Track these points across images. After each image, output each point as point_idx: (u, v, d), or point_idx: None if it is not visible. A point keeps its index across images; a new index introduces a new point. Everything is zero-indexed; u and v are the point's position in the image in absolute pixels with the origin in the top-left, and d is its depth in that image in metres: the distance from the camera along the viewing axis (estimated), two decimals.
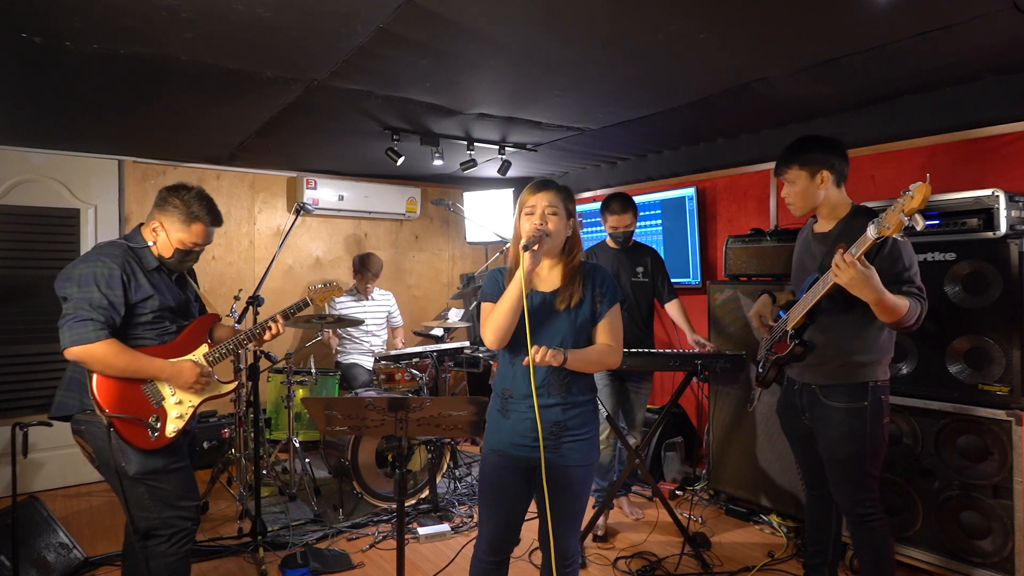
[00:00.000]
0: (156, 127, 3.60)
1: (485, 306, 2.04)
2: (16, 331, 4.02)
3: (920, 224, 1.82)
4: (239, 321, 3.41)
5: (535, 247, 1.86)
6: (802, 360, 2.32)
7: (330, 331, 4.75)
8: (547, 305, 1.97)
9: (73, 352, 2.01)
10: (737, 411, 3.67)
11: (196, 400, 2.24)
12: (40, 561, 2.85)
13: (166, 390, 2.19)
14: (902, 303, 2.04)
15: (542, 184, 1.98)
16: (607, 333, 1.99)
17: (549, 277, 2.03)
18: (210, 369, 2.28)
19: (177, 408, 2.19)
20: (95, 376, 2.05)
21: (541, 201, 1.95)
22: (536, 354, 1.83)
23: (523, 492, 2.00)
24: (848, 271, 1.97)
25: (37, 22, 2.15)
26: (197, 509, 2.23)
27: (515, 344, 1.95)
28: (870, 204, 2.58)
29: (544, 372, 1.94)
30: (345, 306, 4.73)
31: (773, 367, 2.44)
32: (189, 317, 2.34)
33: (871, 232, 1.93)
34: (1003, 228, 2.58)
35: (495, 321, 1.93)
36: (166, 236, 2.20)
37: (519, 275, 1.87)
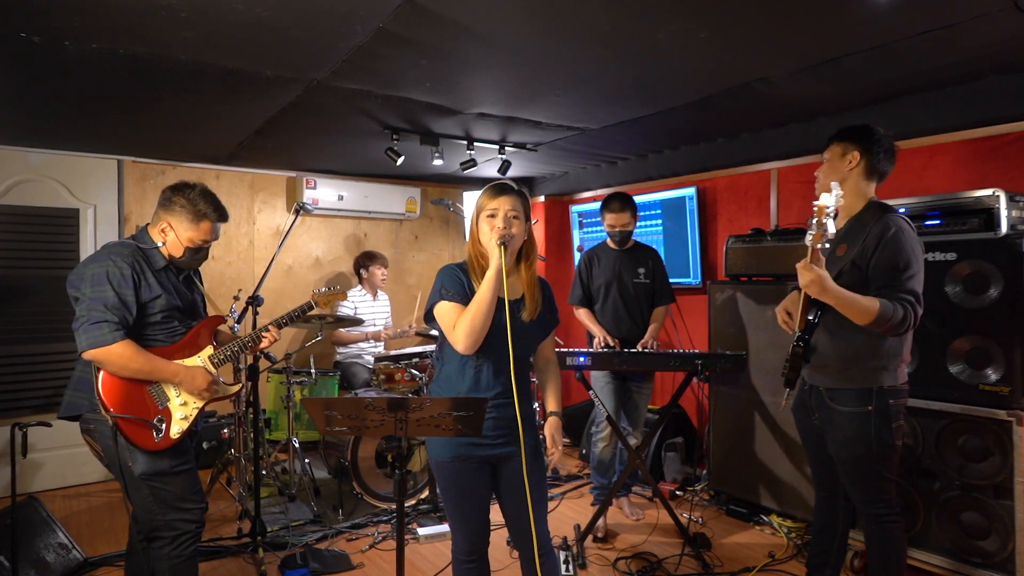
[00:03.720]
0: (156, 127, 3.59)
1: (447, 306, 1.94)
2: (16, 331, 4.02)
3: (812, 231, 1.92)
4: (239, 321, 3.41)
5: (506, 246, 1.89)
6: (807, 361, 2.31)
7: (381, 330, 4.81)
8: (512, 312, 1.95)
9: (91, 354, 2.01)
10: (738, 411, 3.67)
11: (201, 401, 2.25)
12: (39, 561, 2.84)
13: (171, 391, 2.19)
14: (871, 305, 2.01)
15: (502, 188, 1.98)
16: (552, 347, 2.19)
17: (509, 283, 1.99)
18: (219, 377, 2.29)
19: (182, 409, 2.19)
20: (101, 376, 2.05)
21: (504, 205, 1.94)
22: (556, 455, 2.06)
23: (488, 488, 2.03)
24: (803, 275, 1.99)
25: (37, 22, 2.15)
26: (201, 512, 2.22)
27: (483, 346, 1.92)
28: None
29: (509, 373, 1.95)
30: (361, 301, 4.77)
31: (789, 368, 2.43)
32: (197, 317, 2.35)
33: (807, 239, 1.97)
34: (1004, 228, 2.58)
35: (471, 324, 1.86)
36: (176, 236, 2.21)
37: (491, 275, 1.87)
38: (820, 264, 2.01)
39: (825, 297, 2.02)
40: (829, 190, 2.30)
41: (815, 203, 1.91)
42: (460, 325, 1.89)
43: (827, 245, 1.96)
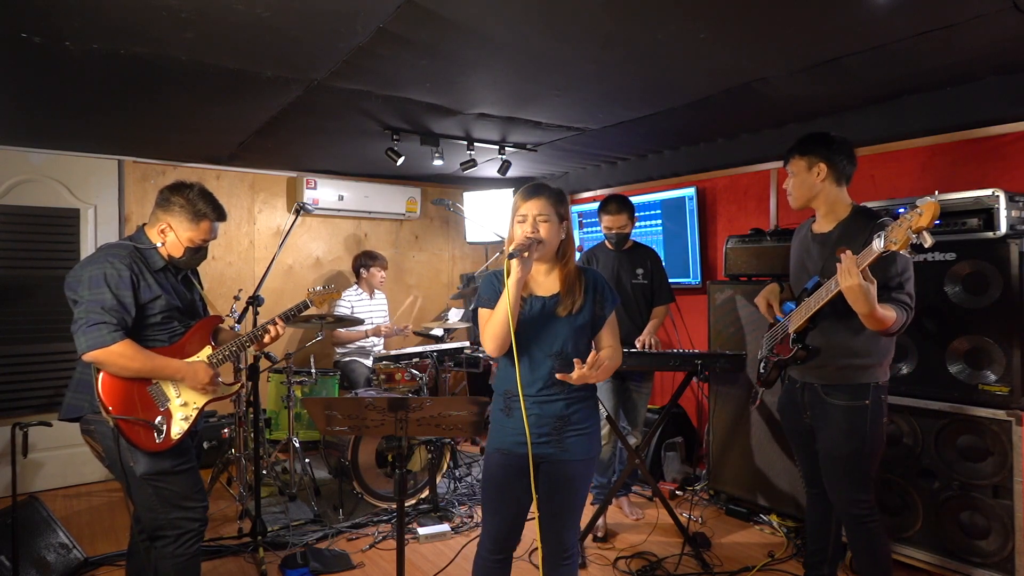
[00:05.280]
0: (156, 127, 3.60)
1: (483, 312, 2.03)
2: (16, 331, 4.02)
3: (928, 241, 1.79)
4: (239, 321, 3.42)
5: (524, 254, 1.88)
6: (805, 363, 2.33)
7: (378, 325, 4.80)
8: (547, 310, 1.99)
9: (91, 356, 2.01)
10: (737, 411, 3.67)
11: (201, 401, 2.25)
12: (40, 561, 2.85)
13: (171, 392, 2.19)
14: (889, 315, 2.05)
15: (533, 190, 1.99)
16: (611, 335, 2.07)
17: (546, 282, 2.04)
18: (219, 371, 2.29)
19: (182, 410, 2.19)
20: (101, 377, 2.05)
21: (532, 209, 1.96)
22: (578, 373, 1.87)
23: (522, 488, 2.01)
24: (852, 279, 1.97)
25: (37, 22, 2.15)
26: (204, 510, 2.22)
27: (521, 343, 1.95)
28: (871, 204, 2.58)
29: (547, 367, 1.96)
30: (357, 300, 4.77)
31: (775, 368, 2.44)
32: (196, 317, 2.35)
33: (876, 245, 1.90)
34: (1003, 228, 2.58)
35: (493, 329, 1.94)
36: (175, 236, 2.21)
37: (510, 282, 1.89)
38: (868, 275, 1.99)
39: (860, 304, 2.00)
40: (804, 203, 2.33)
41: (921, 206, 1.73)
42: (486, 331, 1.97)
43: (905, 253, 1.85)
